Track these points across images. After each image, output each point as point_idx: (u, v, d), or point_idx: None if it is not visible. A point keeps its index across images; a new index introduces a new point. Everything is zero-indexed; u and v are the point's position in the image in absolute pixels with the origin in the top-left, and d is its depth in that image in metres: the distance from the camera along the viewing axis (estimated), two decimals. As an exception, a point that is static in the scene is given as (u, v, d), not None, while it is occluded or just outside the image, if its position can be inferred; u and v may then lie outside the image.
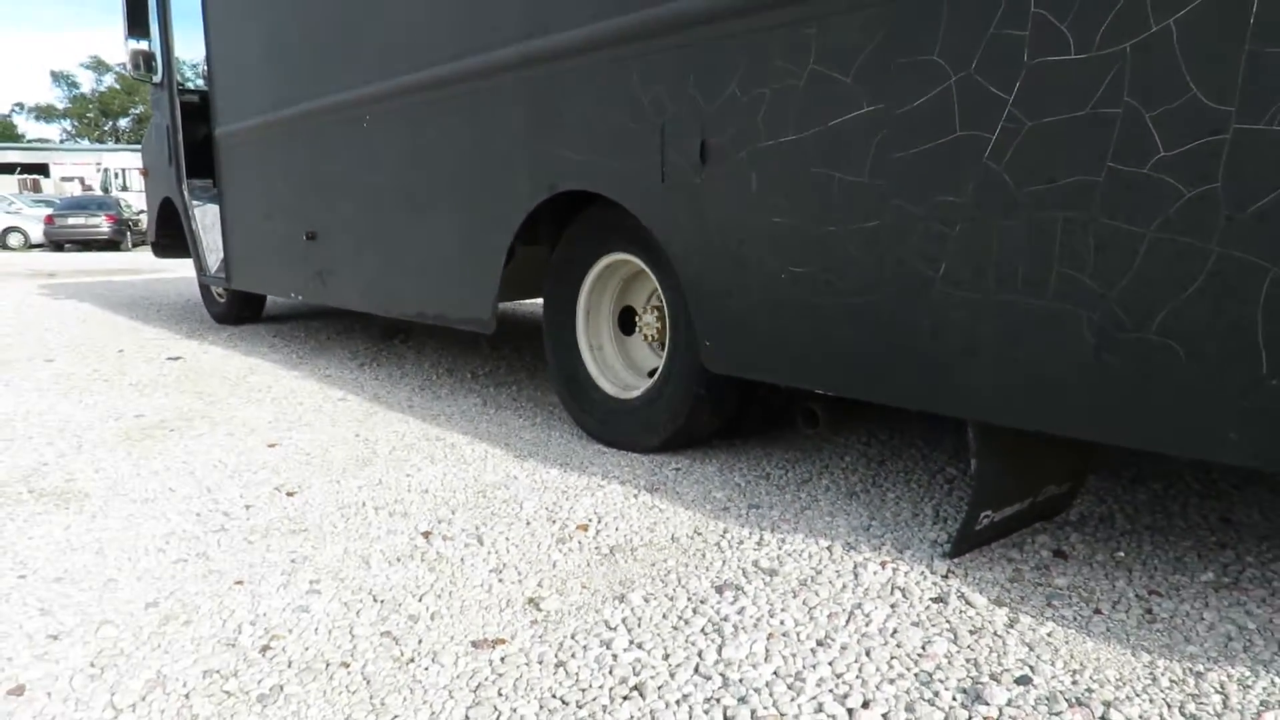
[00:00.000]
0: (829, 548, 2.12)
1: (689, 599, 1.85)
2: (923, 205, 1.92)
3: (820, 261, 2.15)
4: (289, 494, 2.57)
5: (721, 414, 2.81)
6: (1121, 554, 2.06)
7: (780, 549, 2.11)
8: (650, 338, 3.06)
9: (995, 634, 1.70)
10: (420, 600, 1.85)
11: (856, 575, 1.96)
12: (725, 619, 1.75)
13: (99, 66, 59.87)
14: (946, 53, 1.83)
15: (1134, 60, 1.57)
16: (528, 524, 2.30)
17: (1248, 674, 1.54)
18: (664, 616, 1.77)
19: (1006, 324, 1.81)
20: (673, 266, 2.59)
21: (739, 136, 2.29)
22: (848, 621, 1.74)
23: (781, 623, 1.73)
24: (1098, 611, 1.79)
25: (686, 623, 1.74)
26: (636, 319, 3.14)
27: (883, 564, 2.01)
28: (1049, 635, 1.69)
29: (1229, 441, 1.54)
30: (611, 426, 3.02)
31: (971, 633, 1.70)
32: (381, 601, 1.84)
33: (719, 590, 1.89)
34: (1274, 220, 1.44)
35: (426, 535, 2.23)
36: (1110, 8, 1.59)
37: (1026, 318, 1.78)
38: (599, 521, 2.31)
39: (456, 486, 2.62)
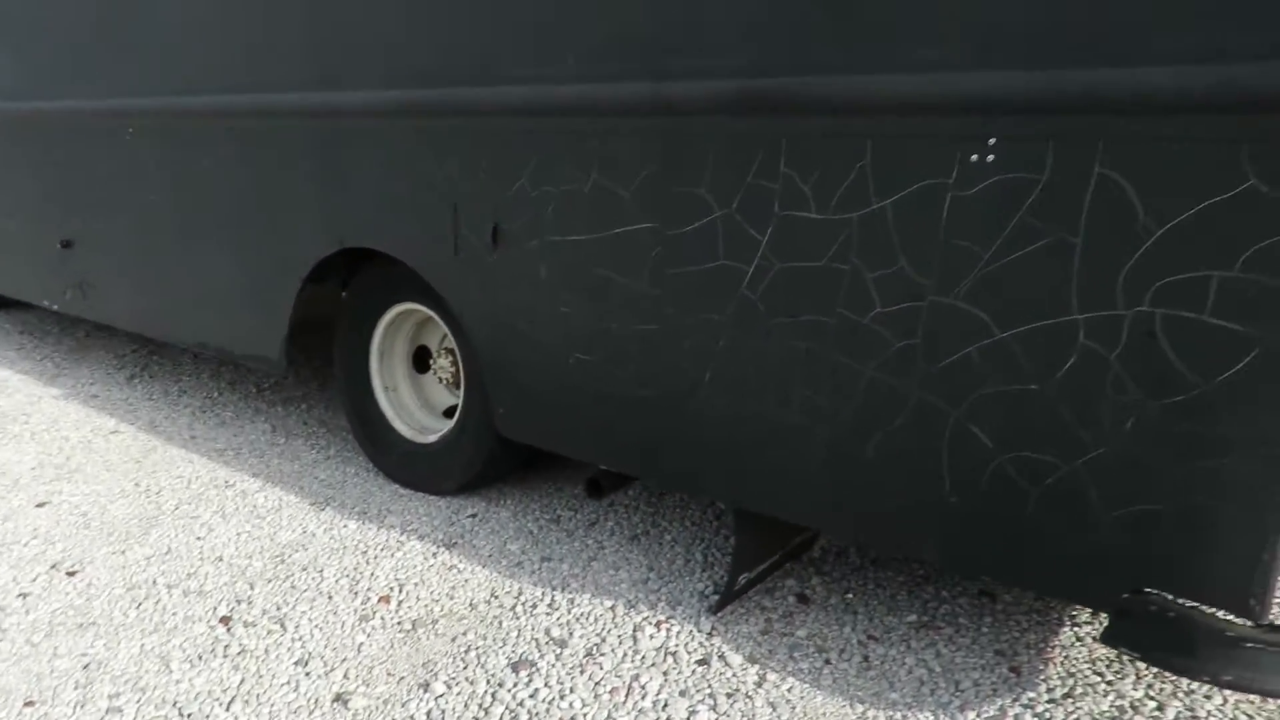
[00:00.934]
0: (613, 608, 2.39)
1: (488, 682, 2.06)
2: (692, 318, 2.17)
3: (603, 353, 2.37)
4: (69, 573, 2.51)
5: (517, 458, 3.00)
6: (850, 595, 2.47)
7: (570, 613, 2.36)
8: (444, 380, 3.18)
9: (747, 695, 2.04)
10: (228, 709, 1.94)
11: (635, 640, 2.24)
12: (521, 704, 1.98)
13: None
14: (713, 189, 2.07)
15: (860, 228, 1.88)
16: (330, 598, 2.40)
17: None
18: (465, 706, 1.97)
19: (759, 428, 2.12)
20: (465, 332, 2.72)
21: (530, 226, 2.44)
22: (626, 697, 2.02)
23: (570, 705, 1.98)
24: (828, 662, 2.17)
25: (486, 712, 1.95)
26: (431, 360, 3.24)
27: (658, 624, 2.31)
28: (789, 692, 2.05)
29: (923, 545, 1.93)
30: (408, 470, 3.14)
31: (728, 696, 2.03)
32: (189, 716, 1.91)
33: (515, 669, 2.11)
34: (954, 375, 1.81)
35: (227, 622, 2.28)
36: (842, 181, 1.88)
37: (775, 426, 2.09)
38: (400, 591, 2.45)
39: (253, 550, 2.66)
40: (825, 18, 1.84)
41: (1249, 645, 1.59)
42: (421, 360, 3.30)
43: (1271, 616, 1.71)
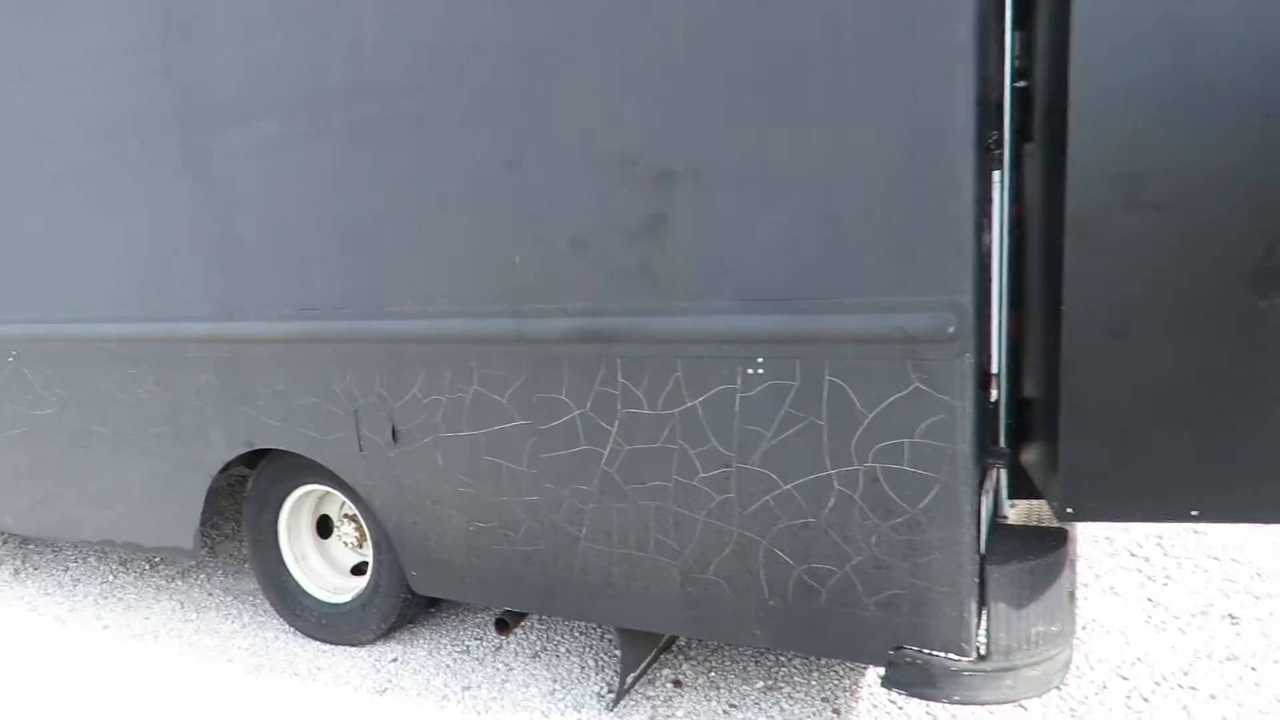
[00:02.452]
0: (531, 721, 3.00)
1: (448, 803, 2.62)
2: (566, 489, 2.85)
3: (498, 520, 3.00)
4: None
5: (426, 604, 3.55)
6: (713, 674, 3.19)
7: (497, 732, 2.95)
8: (348, 543, 3.69)
9: (647, 771, 2.70)
10: None
11: (554, 745, 2.86)
12: (478, 815, 2.55)
13: None
14: (571, 395, 2.78)
15: (681, 419, 2.63)
16: (295, 759, 2.87)
17: (781, 762, 2.69)
18: (436, 826, 2.52)
19: (627, 567, 2.82)
20: (374, 513, 3.27)
21: (424, 426, 3.05)
22: (558, 792, 2.64)
23: (517, 807, 2.58)
24: (702, 734, 2.87)
25: (453, 827, 2.51)
26: (335, 527, 3.74)
27: (569, 728, 2.94)
28: (677, 762, 2.73)
29: (756, 635, 2.68)
30: (327, 629, 3.61)
31: (633, 775, 2.69)
32: None
33: (466, 788, 2.68)
34: (760, 516, 2.58)
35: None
36: (664, 387, 2.63)
37: (639, 564, 2.79)
38: (353, 742, 2.96)
39: (209, 729, 3.07)
40: (644, 278, 2.60)
41: (966, 674, 2.42)
42: (323, 526, 3.79)
43: (979, 645, 2.56)
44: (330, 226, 3.05)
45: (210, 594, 4.17)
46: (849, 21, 2.24)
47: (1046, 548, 2.48)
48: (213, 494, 3.63)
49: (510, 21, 2.62)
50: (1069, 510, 2.23)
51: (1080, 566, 3.90)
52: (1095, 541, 4.12)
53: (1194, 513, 2.18)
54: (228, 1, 3.08)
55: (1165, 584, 3.70)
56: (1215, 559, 3.89)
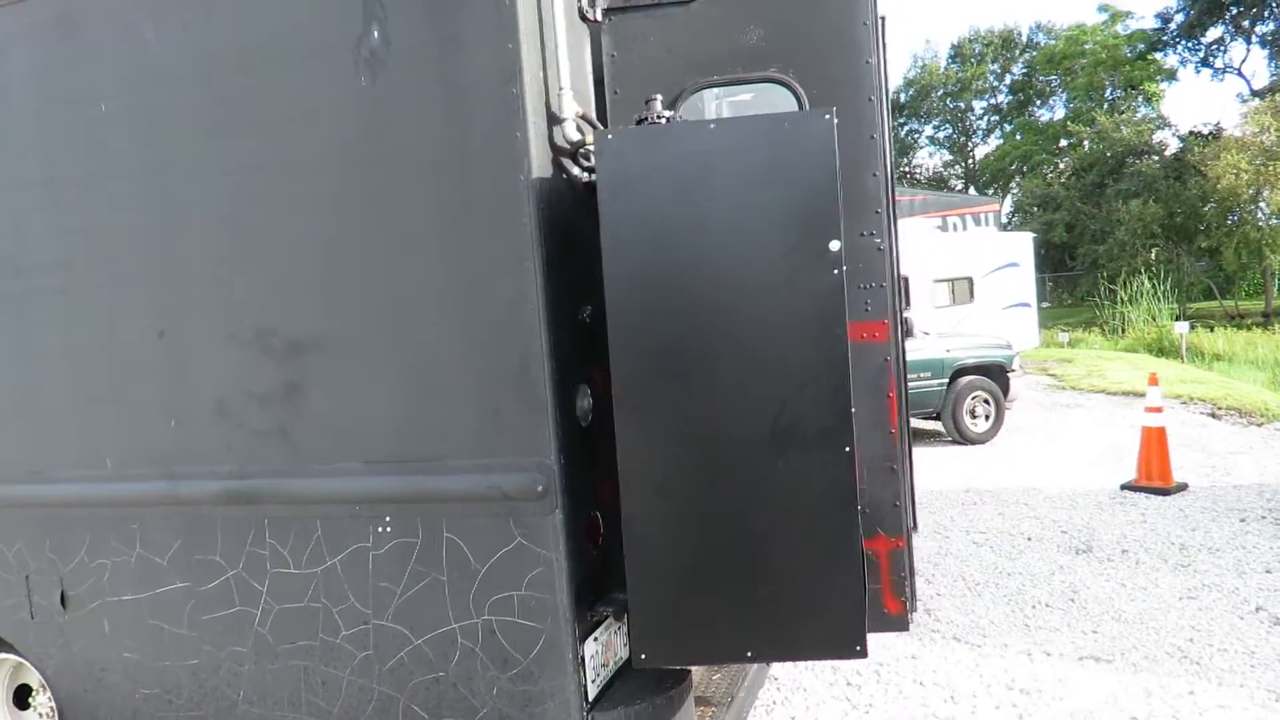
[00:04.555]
0: None
1: None
2: (224, 651, 2.86)
3: (161, 686, 2.96)
4: None
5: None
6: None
7: None
8: (44, 715, 3.53)
9: None
10: None
11: None
12: None
13: None
14: (225, 556, 2.82)
15: (323, 577, 2.70)
16: None
17: None
18: None
19: (283, 728, 2.81)
20: (49, 681, 3.17)
21: (91, 591, 3.02)
22: None
23: None
24: None
25: None
26: (30, 697, 3.58)
27: None
28: None
29: (398, 795, 2.69)
30: (8, 810, 3.41)
31: None
32: None
33: None
34: (397, 672, 2.64)
35: None
36: (307, 546, 2.71)
37: (293, 725, 2.80)
38: None
39: None
40: (283, 442, 2.71)
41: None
42: (21, 697, 3.62)
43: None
44: (-2, 393, 3.08)
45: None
46: (445, 222, 2.49)
47: (662, 690, 2.61)
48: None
49: (152, 203, 2.79)
50: (642, 656, 2.38)
51: (799, 695, 4.05)
52: (818, 671, 4.30)
53: (749, 654, 2.36)
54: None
55: (866, 711, 3.88)
56: (920, 684, 4.11)
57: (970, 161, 49.49)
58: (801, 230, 2.25)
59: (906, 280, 14.43)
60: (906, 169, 49.54)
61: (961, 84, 46.99)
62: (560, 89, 2.49)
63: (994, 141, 47.98)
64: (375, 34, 2.51)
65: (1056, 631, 4.62)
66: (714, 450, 2.32)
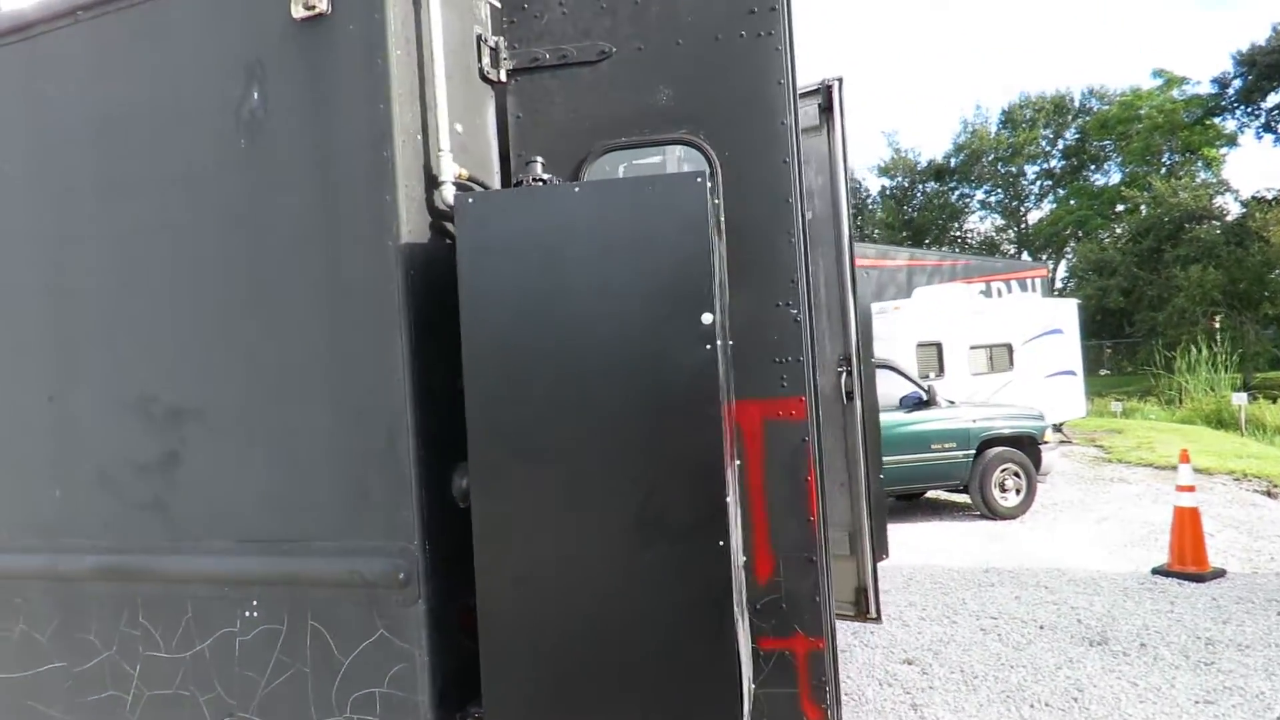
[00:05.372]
0: None
1: None
2: (96, 738, 2.69)
3: (37, 773, 2.80)
4: None
5: None
6: None
7: None
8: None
9: None
10: None
11: None
12: None
13: None
14: (99, 635, 2.68)
15: (192, 663, 2.54)
16: None
17: None
18: None
19: (149, 826, 2.62)
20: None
21: (-23, 667, 2.90)
22: None
23: None
24: None
25: None
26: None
27: None
28: None
29: None
30: None
31: None
32: None
33: None
34: None
35: None
36: (178, 629, 2.55)
37: (158, 823, 2.60)
38: None
39: None
40: (159, 514, 2.58)
41: None
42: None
43: None
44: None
45: None
46: (316, 289, 2.38)
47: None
48: None
49: (45, 263, 2.73)
50: (498, 766, 2.15)
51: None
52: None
53: (613, 769, 2.12)
54: None
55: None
56: (887, 791, 3.76)
57: (1023, 226, 48.75)
58: (671, 301, 2.07)
59: (940, 347, 14.11)
60: (957, 234, 49.04)
61: (1013, 149, 46.55)
62: (439, 151, 2.37)
63: (1047, 206, 47.29)
64: (254, 94, 2.43)
65: (1051, 736, 4.22)
66: (576, 541, 2.11)
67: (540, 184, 2.33)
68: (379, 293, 2.27)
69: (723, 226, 2.65)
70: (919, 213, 48.73)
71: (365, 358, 2.30)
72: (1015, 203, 49.60)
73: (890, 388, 10.10)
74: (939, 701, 4.70)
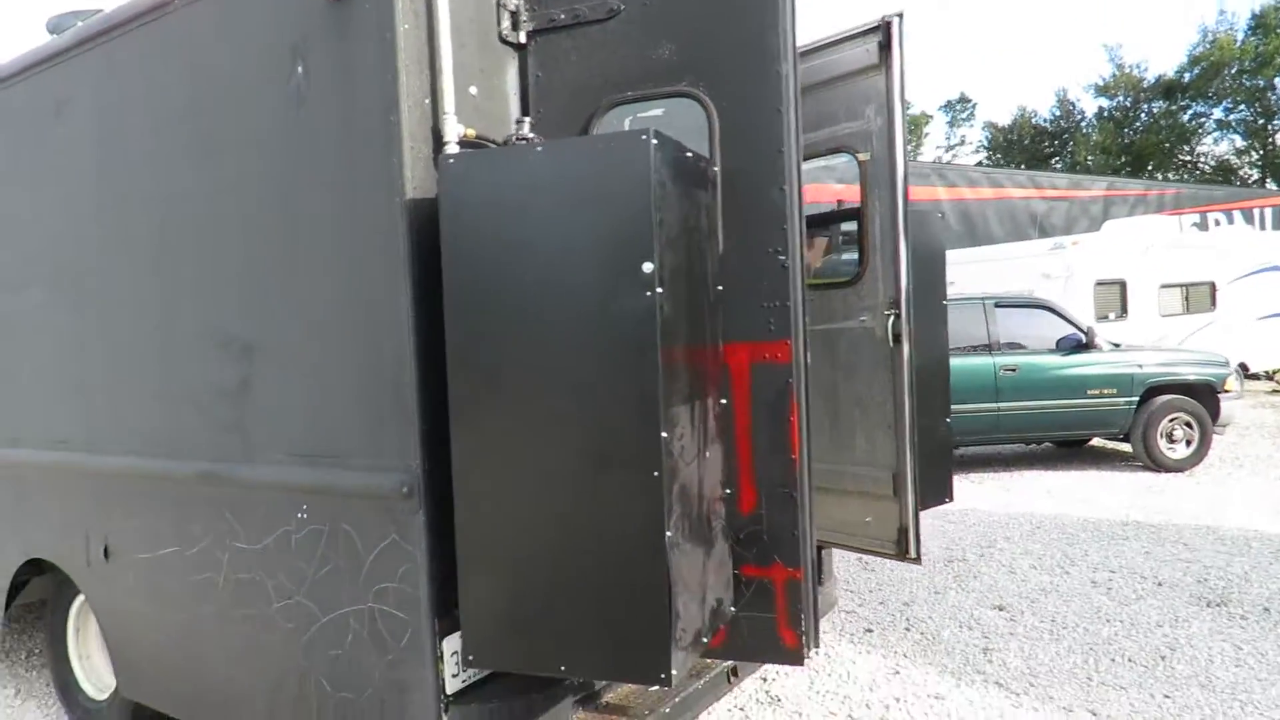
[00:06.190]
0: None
1: None
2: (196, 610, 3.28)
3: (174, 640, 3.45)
4: None
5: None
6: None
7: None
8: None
9: None
10: None
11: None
12: None
13: None
14: (200, 527, 3.24)
15: (262, 552, 3.04)
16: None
17: None
18: None
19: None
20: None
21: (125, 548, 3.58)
22: None
23: None
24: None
25: None
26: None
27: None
28: None
29: None
30: (88, 723, 4.11)
31: None
32: None
33: None
34: (314, 644, 2.92)
35: None
36: (254, 520, 3.06)
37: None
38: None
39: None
40: (236, 432, 3.07)
41: None
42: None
43: None
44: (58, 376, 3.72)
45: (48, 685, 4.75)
46: (344, 243, 2.73)
47: (525, 693, 2.70)
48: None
49: (150, 225, 3.26)
50: (470, 657, 2.48)
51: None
52: (823, 698, 4.13)
53: (562, 668, 2.39)
54: None
55: None
56: None
57: (1270, 146, 43.09)
58: (617, 251, 2.25)
59: (1124, 286, 13.04)
60: (1188, 158, 44.10)
61: (1262, 59, 40.96)
62: (444, 114, 2.63)
63: (1302, 123, 41.46)
64: (299, 70, 2.78)
65: (1120, 690, 4.11)
66: (536, 468, 2.37)
67: (524, 143, 2.54)
68: (389, 244, 2.59)
69: (717, 176, 2.77)
70: (1142, 135, 44.15)
71: (380, 302, 2.63)
72: (1262, 120, 43.83)
73: (1051, 330, 9.59)
74: (1014, 648, 4.66)
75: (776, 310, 2.72)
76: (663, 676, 2.27)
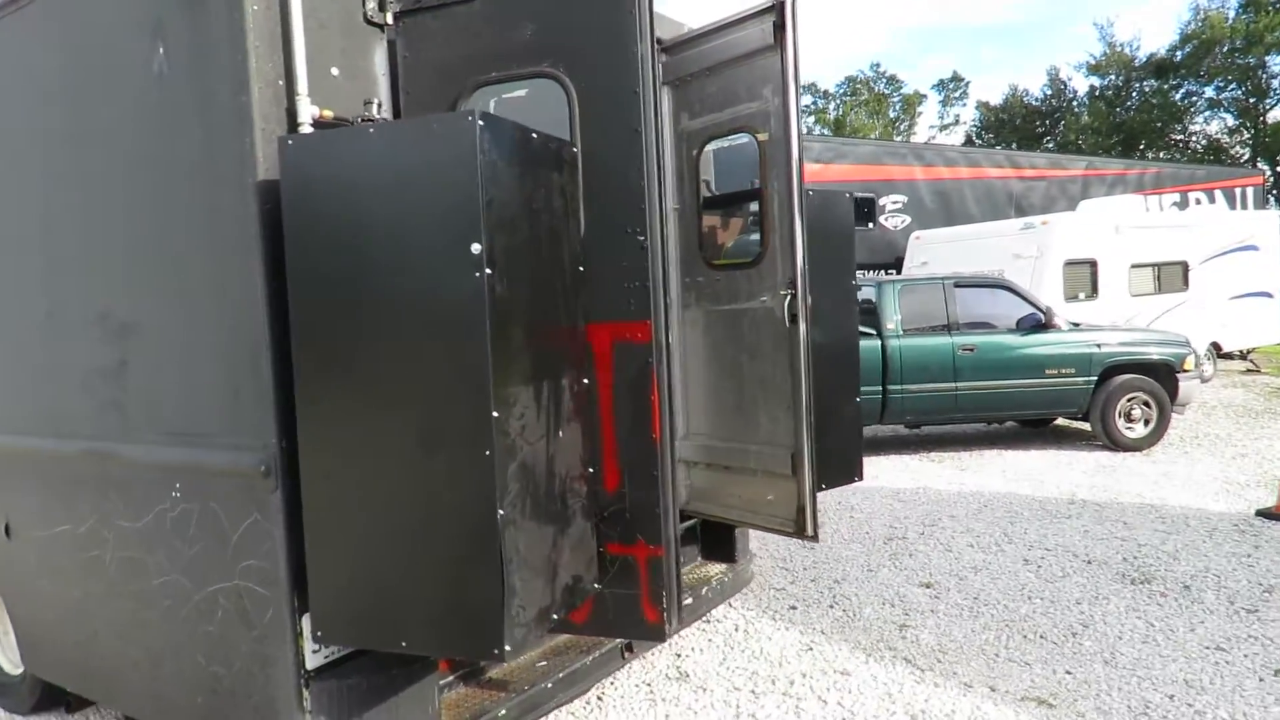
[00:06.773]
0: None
1: None
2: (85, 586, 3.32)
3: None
4: None
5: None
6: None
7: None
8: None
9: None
10: None
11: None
12: None
13: None
14: (87, 506, 3.27)
15: (143, 531, 3.07)
16: None
17: None
18: None
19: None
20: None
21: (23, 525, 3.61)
22: None
23: None
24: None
25: None
26: None
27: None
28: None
29: (188, 731, 3.02)
30: (3, 697, 4.16)
31: None
32: None
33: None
34: (187, 622, 2.95)
35: None
36: (135, 499, 3.09)
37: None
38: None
39: None
40: (116, 411, 3.10)
41: None
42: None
43: None
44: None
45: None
46: (204, 224, 2.74)
47: (386, 670, 2.74)
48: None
49: (36, 209, 3.27)
50: (318, 634, 2.52)
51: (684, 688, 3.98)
52: (731, 672, 4.18)
53: (403, 644, 2.43)
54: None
55: (745, 721, 3.73)
56: (823, 702, 3.89)
57: (1261, 125, 42.91)
58: (445, 233, 2.26)
59: (1093, 265, 13.02)
60: (1179, 137, 43.96)
61: (1253, 37, 40.72)
62: (298, 94, 2.63)
63: (1293, 101, 41.29)
64: (160, 51, 2.79)
65: (1025, 666, 4.16)
66: (377, 448, 2.40)
67: (369, 124, 2.55)
68: (241, 225, 2.60)
69: (578, 157, 2.78)
70: (1133, 114, 43.98)
71: (236, 283, 2.65)
72: (1254, 99, 43.64)
73: (1011, 310, 9.61)
74: (930, 625, 4.71)
75: (637, 291, 2.74)
76: (496, 651, 2.30)
